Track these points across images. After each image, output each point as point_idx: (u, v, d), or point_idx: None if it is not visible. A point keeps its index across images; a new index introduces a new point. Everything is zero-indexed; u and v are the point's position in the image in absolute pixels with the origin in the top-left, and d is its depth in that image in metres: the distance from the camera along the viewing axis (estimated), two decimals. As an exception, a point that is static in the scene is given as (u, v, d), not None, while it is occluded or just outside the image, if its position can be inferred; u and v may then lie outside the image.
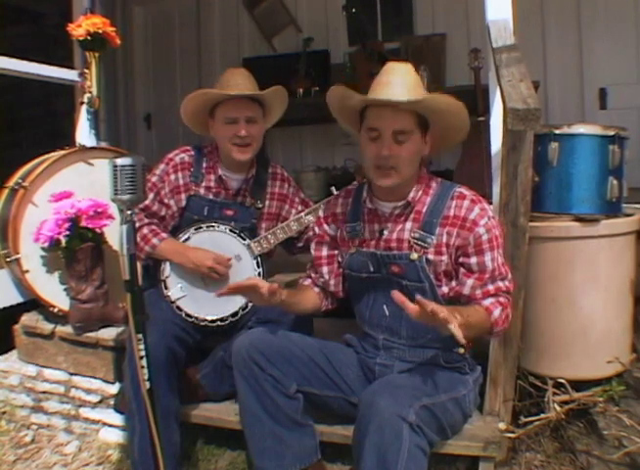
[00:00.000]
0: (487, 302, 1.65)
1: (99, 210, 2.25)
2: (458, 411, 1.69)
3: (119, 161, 1.28)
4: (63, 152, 2.49)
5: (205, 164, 2.21)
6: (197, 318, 2.06)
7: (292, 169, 4.10)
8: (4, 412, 2.47)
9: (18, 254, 2.32)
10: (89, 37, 2.61)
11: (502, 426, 1.79)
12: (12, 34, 4.82)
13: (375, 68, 4.22)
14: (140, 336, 1.35)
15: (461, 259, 1.68)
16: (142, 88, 5.46)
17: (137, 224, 2.03)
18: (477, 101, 3.23)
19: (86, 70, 2.75)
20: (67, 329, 2.34)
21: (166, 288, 2.08)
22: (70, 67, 2.97)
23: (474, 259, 1.66)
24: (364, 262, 1.77)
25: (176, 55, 5.32)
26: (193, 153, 2.22)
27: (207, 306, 2.08)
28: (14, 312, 2.50)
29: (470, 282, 1.66)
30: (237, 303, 2.10)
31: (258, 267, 2.14)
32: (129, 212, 1.31)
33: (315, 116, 4.27)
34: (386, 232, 1.74)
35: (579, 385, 1.97)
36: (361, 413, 1.51)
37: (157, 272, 2.11)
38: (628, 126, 2.04)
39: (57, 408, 2.40)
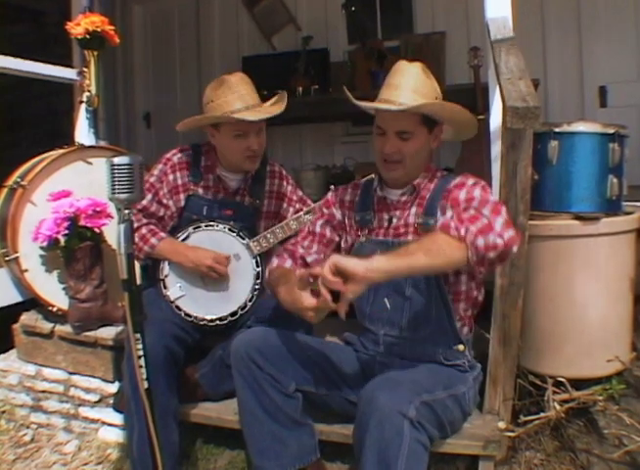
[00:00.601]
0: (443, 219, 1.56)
1: (98, 209, 2.24)
2: (457, 409, 1.69)
3: (117, 159, 1.28)
4: (61, 151, 2.49)
5: (203, 164, 2.20)
6: (196, 318, 2.06)
7: (291, 168, 4.11)
8: (3, 411, 2.47)
9: (16, 253, 2.31)
10: (88, 36, 2.61)
11: (502, 425, 1.79)
12: (11, 33, 4.81)
13: (374, 66, 4.26)
14: (138, 335, 1.35)
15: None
16: (141, 87, 5.45)
17: (135, 225, 2.02)
18: (476, 99, 3.22)
19: (85, 69, 2.75)
20: (66, 328, 2.34)
21: (165, 287, 2.08)
22: (70, 65, 2.96)
23: (451, 197, 1.64)
24: (373, 251, 1.77)
25: (176, 54, 5.31)
26: (191, 152, 2.22)
27: (206, 306, 2.09)
28: (13, 312, 2.50)
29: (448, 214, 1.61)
30: (236, 302, 2.10)
31: (258, 267, 2.14)
32: (127, 212, 1.31)
33: (315, 114, 4.29)
34: (394, 220, 1.79)
35: (579, 384, 1.97)
36: (361, 410, 1.51)
37: (156, 272, 2.11)
38: (628, 124, 2.03)
39: (56, 407, 2.39)
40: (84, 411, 2.34)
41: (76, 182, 2.39)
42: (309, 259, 1.87)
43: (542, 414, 1.87)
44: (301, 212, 2.25)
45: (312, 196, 2.62)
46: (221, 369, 2.05)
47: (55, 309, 2.36)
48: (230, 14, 5.08)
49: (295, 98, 4.28)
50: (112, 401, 2.27)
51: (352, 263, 1.39)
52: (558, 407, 1.86)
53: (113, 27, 2.68)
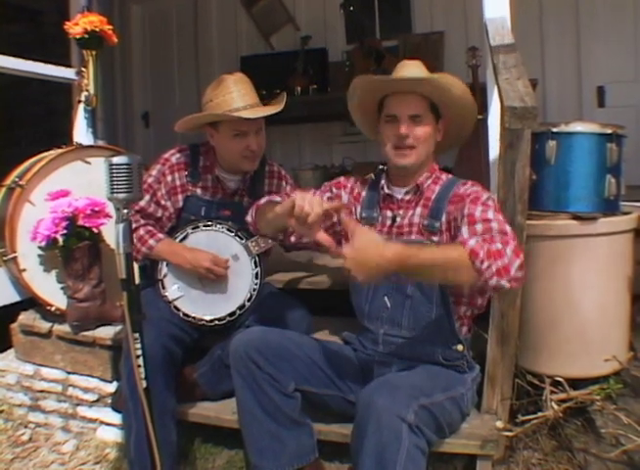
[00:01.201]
0: (471, 240, 1.51)
1: (96, 208, 2.24)
2: (456, 410, 1.69)
3: (115, 159, 1.28)
4: (60, 150, 2.48)
5: (201, 164, 2.20)
6: (194, 318, 2.06)
7: (290, 168, 4.10)
8: (1, 411, 2.47)
9: (15, 252, 2.31)
10: (86, 35, 2.61)
11: (500, 424, 1.79)
12: (9, 32, 4.81)
13: (373, 66, 4.26)
14: (137, 335, 1.35)
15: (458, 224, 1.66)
16: (139, 86, 5.46)
17: (133, 226, 2.02)
18: (474, 99, 3.22)
19: (83, 69, 2.75)
20: (64, 328, 2.34)
21: (164, 288, 2.08)
22: (68, 65, 2.96)
23: (466, 211, 1.63)
24: None
25: (174, 53, 5.32)
26: (189, 152, 2.21)
27: (205, 306, 2.08)
28: (11, 311, 2.49)
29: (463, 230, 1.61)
30: (234, 302, 2.09)
31: (256, 267, 2.13)
32: (125, 211, 1.31)
33: (313, 114, 4.29)
34: (398, 219, 1.80)
35: (577, 383, 1.97)
36: (359, 413, 1.51)
37: (154, 272, 2.10)
38: (626, 124, 2.03)
39: (54, 407, 2.39)
40: (82, 411, 2.34)
41: (75, 182, 2.38)
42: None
43: (540, 414, 1.87)
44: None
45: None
46: (220, 369, 2.05)
47: (53, 309, 2.36)
48: (228, 13, 5.08)
49: (293, 98, 4.28)
50: (110, 401, 2.27)
51: (364, 241, 1.42)
52: (555, 407, 1.87)
53: (111, 27, 2.68)
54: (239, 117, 2.00)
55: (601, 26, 4.03)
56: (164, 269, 2.09)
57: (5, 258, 2.36)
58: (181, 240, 2.10)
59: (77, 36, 2.62)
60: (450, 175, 1.86)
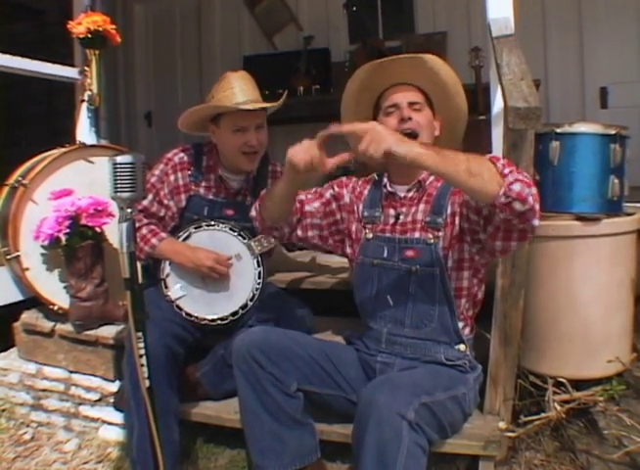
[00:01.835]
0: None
1: (99, 207, 2.24)
2: (458, 410, 1.69)
3: (119, 158, 1.28)
4: (63, 149, 2.48)
5: (204, 164, 2.20)
6: (197, 318, 2.06)
7: (292, 168, 4.10)
8: (4, 410, 2.47)
9: (18, 251, 2.31)
10: (89, 35, 2.62)
11: (502, 425, 1.78)
12: (12, 32, 4.82)
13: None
14: (140, 334, 1.35)
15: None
16: (142, 86, 5.46)
17: (136, 225, 2.01)
18: (477, 99, 3.22)
19: (87, 68, 2.75)
20: (66, 327, 2.34)
21: (166, 287, 2.08)
22: (71, 64, 2.96)
23: None
24: (380, 248, 1.81)
25: (177, 53, 5.32)
26: (192, 152, 2.21)
27: (207, 306, 2.08)
28: (14, 310, 2.50)
29: None
30: (237, 302, 2.09)
31: (259, 266, 2.13)
32: (129, 210, 1.31)
33: (316, 114, 4.28)
34: (401, 217, 1.80)
35: (580, 384, 1.97)
36: (360, 411, 1.51)
37: (156, 271, 2.10)
38: (629, 125, 2.03)
39: (56, 406, 2.39)
40: (84, 410, 2.33)
41: (78, 181, 2.39)
42: (306, 208, 1.87)
43: (542, 415, 1.87)
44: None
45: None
46: (222, 368, 2.05)
47: (56, 308, 2.36)
48: (231, 13, 5.08)
49: (296, 98, 4.28)
50: (112, 400, 2.27)
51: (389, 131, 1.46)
52: (558, 408, 1.86)
53: (114, 27, 2.68)
54: (237, 109, 2.02)
55: (604, 27, 4.02)
56: (167, 269, 2.09)
57: (8, 257, 2.36)
58: (184, 239, 2.11)
59: (80, 36, 2.62)
60: None
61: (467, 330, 1.78)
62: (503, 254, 1.65)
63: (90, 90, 2.74)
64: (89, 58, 2.72)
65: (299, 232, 1.88)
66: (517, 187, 1.38)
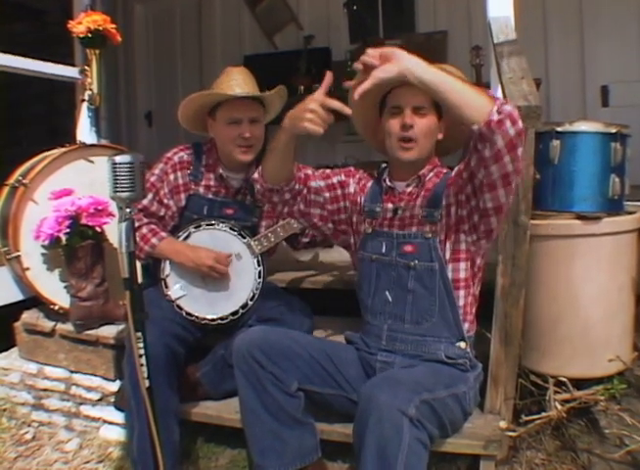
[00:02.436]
0: None
1: (99, 207, 2.24)
2: (458, 408, 1.69)
3: (118, 158, 1.28)
4: (63, 149, 2.48)
5: (204, 163, 2.20)
6: (197, 317, 2.06)
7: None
8: (5, 410, 2.47)
9: (18, 251, 2.32)
10: (90, 34, 2.62)
11: (503, 424, 1.78)
12: (13, 31, 4.82)
13: (376, 65, 4.25)
14: (139, 334, 1.35)
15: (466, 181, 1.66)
16: (143, 85, 5.46)
17: (136, 224, 2.02)
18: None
19: (87, 68, 2.75)
20: (67, 327, 2.34)
21: (166, 287, 2.08)
22: (71, 64, 2.96)
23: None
24: (379, 243, 1.81)
25: (177, 52, 5.32)
26: (192, 151, 2.21)
27: (208, 305, 2.08)
28: (14, 310, 2.50)
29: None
30: (237, 301, 2.10)
31: (259, 266, 2.13)
32: (128, 210, 1.31)
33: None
34: (400, 212, 1.80)
35: (581, 383, 1.97)
36: (361, 407, 1.51)
37: (157, 271, 2.10)
38: (630, 124, 2.02)
39: (57, 406, 2.40)
40: (85, 410, 2.34)
41: (78, 181, 2.39)
42: (311, 183, 1.86)
43: (543, 414, 1.87)
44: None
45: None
46: (223, 368, 2.05)
47: (56, 308, 2.36)
48: (232, 12, 5.08)
49: (296, 97, 4.26)
50: (113, 400, 2.27)
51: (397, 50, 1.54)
52: (559, 407, 1.86)
53: (114, 26, 2.68)
54: (230, 96, 2.05)
55: (605, 26, 4.01)
56: (167, 268, 2.09)
57: (8, 257, 2.36)
58: (184, 239, 2.11)
59: (81, 35, 2.63)
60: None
61: (467, 326, 1.76)
62: (497, 213, 1.62)
63: (90, 90, 2.75)
64: (89, 57, 2.72)
65: (302, 206, 1.86)
66: (508, 107, 1.46)
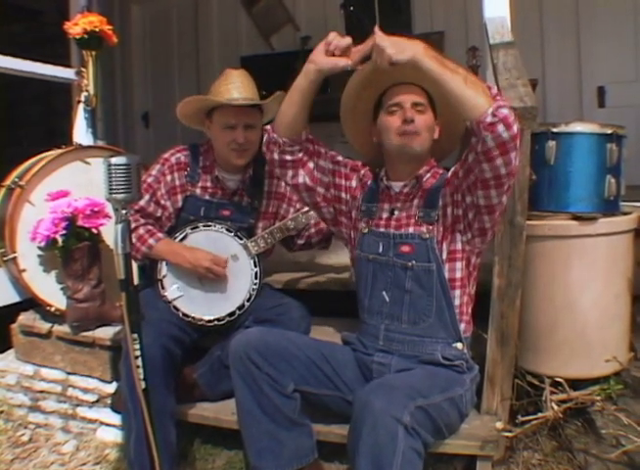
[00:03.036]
0: None
1: (96, 209, 2.23)
2: (454, 411, 1.69)
3: (114, 159, 1.28)
4: (59, 151, 2.48)
5: (201, 164, 2.20)
6: (194, 318, 2.06)
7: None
8: (1, 411, 2.46)
9: (14, 253, 2.31)
10: (86, 36, 2.61)
11: (499, 425, 1.78)
12: (9, 32, 4.82)
13: (373, 66, 4.25)
14: (136, 335, 1.35)
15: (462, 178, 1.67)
16: (140, 87, 5.45)
17: (133, 225, 2.02)
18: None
19: (83, 69, 2.75)
20: (64, 328, 2.34)
21: (163, 288, 2.08)
22: (68, 65, 2.96)
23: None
24: (375, 242, 1.82)
25: (174, 53, 5.31)
26: (189, 152, 2.21)
27: (204, 306, 2.08)
28: (11, 311, 2.49)
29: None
30: (234, 302, 2.10)
31: (255, 267, 2.14)
32: (124, 212, 1.31)
33: (313, 114, 4.29)
34: (396, 212, 1.81)
35: (577, 384, 1.97)
36: (356, 414, 1.51)
37: (153, 272, 2.10)
38: (627, 124, 2.03)
39: (54, 408, 2.39)
40: (82, 411, 2.33)
41: (74, 182, 2.38)
42: (321, 162, 1.87)
43: (540, 414, 1.87)
44: (299, 213, 2.25)
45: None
46: (219, 369, 2.05)
47: (53, 309, 2.36)
48: (228, 13, 5.08)
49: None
50: (109, 402, 2.27)
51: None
52: (556, 407, 1.87)
53: (111, 27, 2.68)
54: (223, 103, 2.04)
55: (601, 26, 4.02)
56: (164, 269, 2.09)
57: (5, 259, 2.36)
58: (181, 240, 2.10)
59: (77, 36, 2.62)
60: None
61: (463, 327, 1.77)
62: (489, 212, 1.63)
63: (87, 91, 2.74)
64: (86, 58, 2.71)
65: (307, 179, 1.85)
66: (505, 110, 1.47)
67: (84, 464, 2.18)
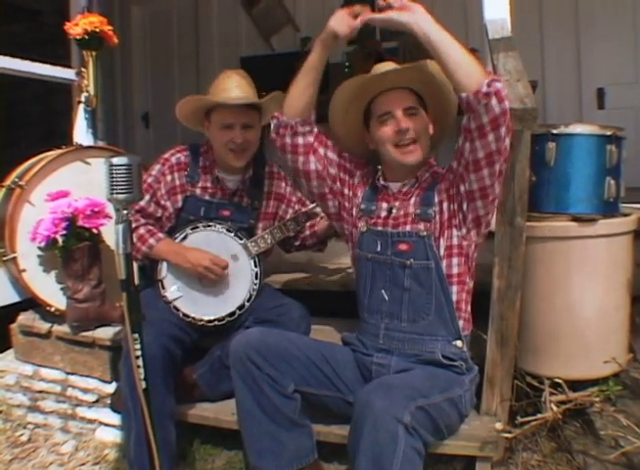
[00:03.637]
0: None
1: (96, 209, 2.24)
2: (454, 411, 1.69)
3: (115, 160, 1.28)
4: (60, 151, 2.49)
5: (201, 164, 2.20)
6: (194, 318, 2.06)
7: (291, 169, 4.10)
8: (0, 412, 2.46)
9: (14, 253, 2.31)
10: (86, 36, 2.62)
11: (499, 426, 1.78)
12: (9, 33, 4.81)
13: (373, 67, 4.26)
14: (136, 335, 1.35)
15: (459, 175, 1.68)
16: (140, 87, 5.45)
17: (133, 225, 2.02)
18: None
19: (84, 69, 2.75)
20: (63, 328, 2.34)
21: (163, 288, 2.07)
22: (68, 65, 2.96)
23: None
24: (374, 241, 1.82)
25: (174, 54, 5.31)
26: (189, 153, 2.22)
27: (205, 307, 2.08)
28: (10, 311, 2.49)
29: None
30: (234, 302, 2.10)
31: (255, 267, 2.14)
32: (125, 212, 1.31)
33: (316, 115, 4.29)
34: (394, 211, 1.81)
35: (576, 385, 1.97)
36: (356, 414, 1.51)
37: (153, 272, 2.10)
38: (626, 126, 2.03)
39: (53, 408, 2.39)
40: (81, 411, 2.33)
41: (74, 182, 2.39)
42: (328, 142, 1.88)
43: (539, 415, 1.87)
44: (299, 213, 2.26)
45: (310, 197, 2.62)
46: (219, 369, 2.05)
47: (53, 309, 2.36)
48: (228, 14, 5.08)
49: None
50: (109, 402, 2.27)
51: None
52: (555, 408, 1.86)
53: (111, 28, 2.69)
54: (219, 103, 2.05)
55: (601, 28, 4.03)
56: (164, 269, 2.09)
57: (5, 259, 2.36)
58: (181, 240, 2.10)
59: (77, 37, 2.63)
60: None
61: (461, 323, 1.77)
62: (482, 197, 1.64)
63: (87, 91, 2.75)
64: (86, 59, 2.72)
65: (319, 164, 1.85)
66: (498, 84, 1.51)
67: (83, 464, 2.18)
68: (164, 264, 2.09)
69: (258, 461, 1.70)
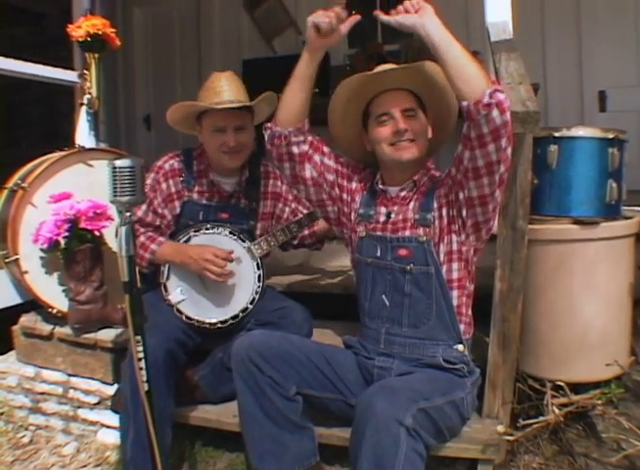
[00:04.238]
0: None
1: (98, 211, 2.24)
2: (456, 414, 1.69)
3: (118, 162, 1.28)
4: (62, 153, 2.49)
5: (195, 168, 2.20)
6: (197, 321, 2.06)
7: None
8: (2, 413, 2.47)
9: (17, 254, 2.31)
10: (89, 38, 2.62)
11: (501, 429, 1.78)
12: (12, 35, 4.83)
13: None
14: (138, 338, 1.35)
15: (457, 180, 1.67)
16: (142, 89, 5.45)
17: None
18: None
19: (86, 72, 2.75)
20: (65, 330, 2.34)
21: (166, 291, 2.07)
22: (70, 68, 2.97)
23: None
24: (373, 246, 1.81)
25: (176, 56, 5.32)
26: (182, 158, 2.21)
27: (208, 309, 2.08)
28: (12, 313, 2.49)
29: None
30: (237, 305, 2.10)
31: (258, 269, 2.14)
32: (128, 214, 1.31)
33: (315, 117, 4.28)
34: (393, 215, 1.81)
35: (578, 388, 1.97)
36: (358, 416, 1.51)
37: (156, 276, 2.10)
38: (628, 129, 2.03)
39: (55, 409, 2.39)
40: (83, 413, 2.33)
41: (77, 184, 2.39)
42: (324, 149, 1.88)
43: (541, 418, 1.87)
44: (301, 216, 2.26)
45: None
46: (221, 371, 2.05)
47: (55, 311, 2.36)
48: (230, 17, 5.08)
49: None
50: (110, 403, 2.27)
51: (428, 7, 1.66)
52: (557, 411, 1.86)
53: (113, 30, 2.69)
54: (208, 107, 2.06)
55: (602, 31, 4.03)
56: (167, 273, 2.09)
57: (7, 261, 2.36)
58: (184, 242, 2.10)
59: (80, 39, 2.63)
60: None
61: (463, 327, 1.77)
62: (482, 204, 1.63)
63: (89, 93, 2.75)
64: (88, 61, 2.72)
65: (314, 171, 1.84)
66: (501, 95, 1.49)
67: (85, 466, 2.18)
68: (167, 267, 2.08)
69: (260, 464, 1.70)
